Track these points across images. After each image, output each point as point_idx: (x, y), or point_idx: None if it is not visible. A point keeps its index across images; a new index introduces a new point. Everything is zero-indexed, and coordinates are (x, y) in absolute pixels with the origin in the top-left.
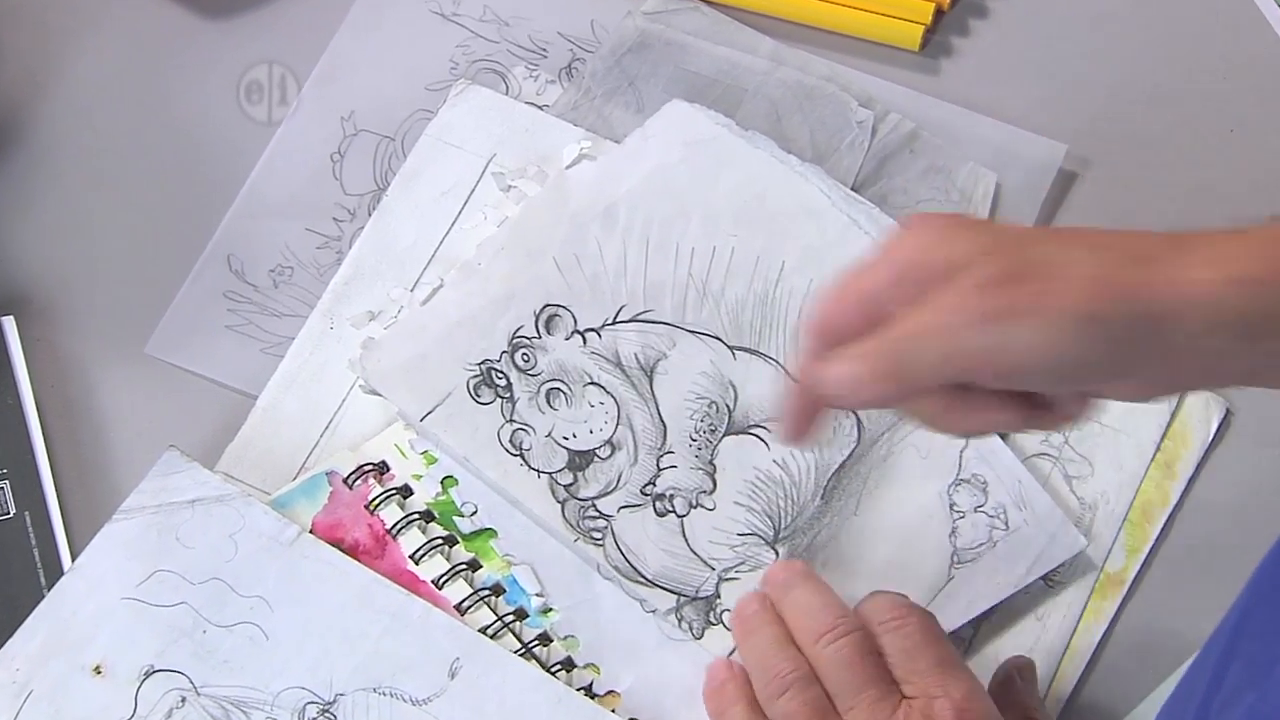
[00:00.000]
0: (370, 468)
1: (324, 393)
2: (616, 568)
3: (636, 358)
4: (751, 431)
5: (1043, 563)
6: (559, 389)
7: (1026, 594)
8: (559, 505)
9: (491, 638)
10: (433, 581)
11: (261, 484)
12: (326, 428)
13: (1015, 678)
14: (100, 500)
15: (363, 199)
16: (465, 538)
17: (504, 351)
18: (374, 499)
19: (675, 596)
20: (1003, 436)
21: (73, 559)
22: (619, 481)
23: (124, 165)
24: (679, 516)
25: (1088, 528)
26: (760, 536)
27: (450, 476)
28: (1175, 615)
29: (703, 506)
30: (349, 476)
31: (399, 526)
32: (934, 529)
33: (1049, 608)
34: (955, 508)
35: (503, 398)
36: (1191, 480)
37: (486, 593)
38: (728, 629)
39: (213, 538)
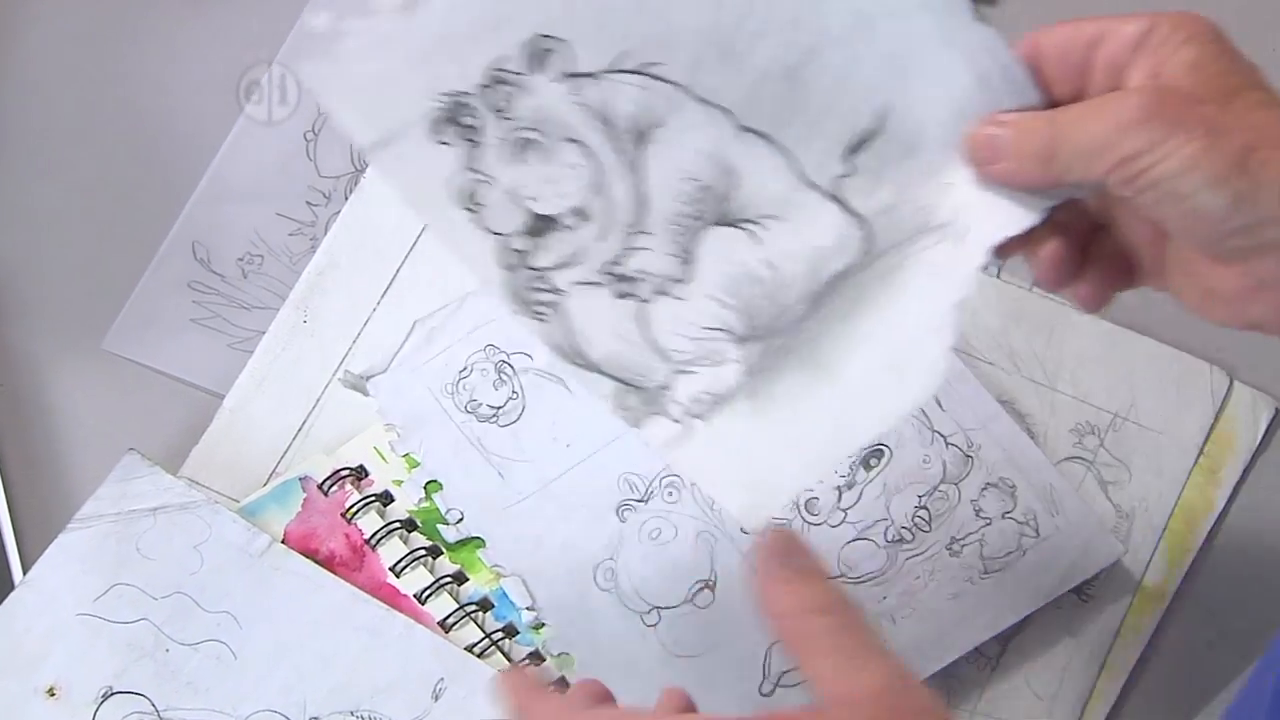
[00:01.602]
0: (347, 473)
1: (297, 391)
2: (558, 348)
3: (632, 119)
4: (743, 226)
5: (1076, 573)
6: (536, 140)
7: (1058, 608)
8: (506, 272)
9: (479, 656)
10: (415, 596)
11: (229, 490)
12: (299, 429)
13: None
14: (54, 508)
15: (339, 181)
16: (450, 548)
17: (482, 85)
18: (351, 506)
19: (617, 384)
20: (1033, 437)
21: (24, 572)
22: (581, 255)
23: (79, 145)
24: (640, 301)
25: (1125, 536)
26: (728, 332)
27: (434, 481)
28: (1222, 633)
29: (671, 295)
30: (324, 482)
31: (378, 536)
32: (936, 344)
33: (1083, 622)
34: (981, 513)
35: (469, 140)
36: (1238, 486)
37: (473, 608)
38: (673, 420)
39: (176, 549)
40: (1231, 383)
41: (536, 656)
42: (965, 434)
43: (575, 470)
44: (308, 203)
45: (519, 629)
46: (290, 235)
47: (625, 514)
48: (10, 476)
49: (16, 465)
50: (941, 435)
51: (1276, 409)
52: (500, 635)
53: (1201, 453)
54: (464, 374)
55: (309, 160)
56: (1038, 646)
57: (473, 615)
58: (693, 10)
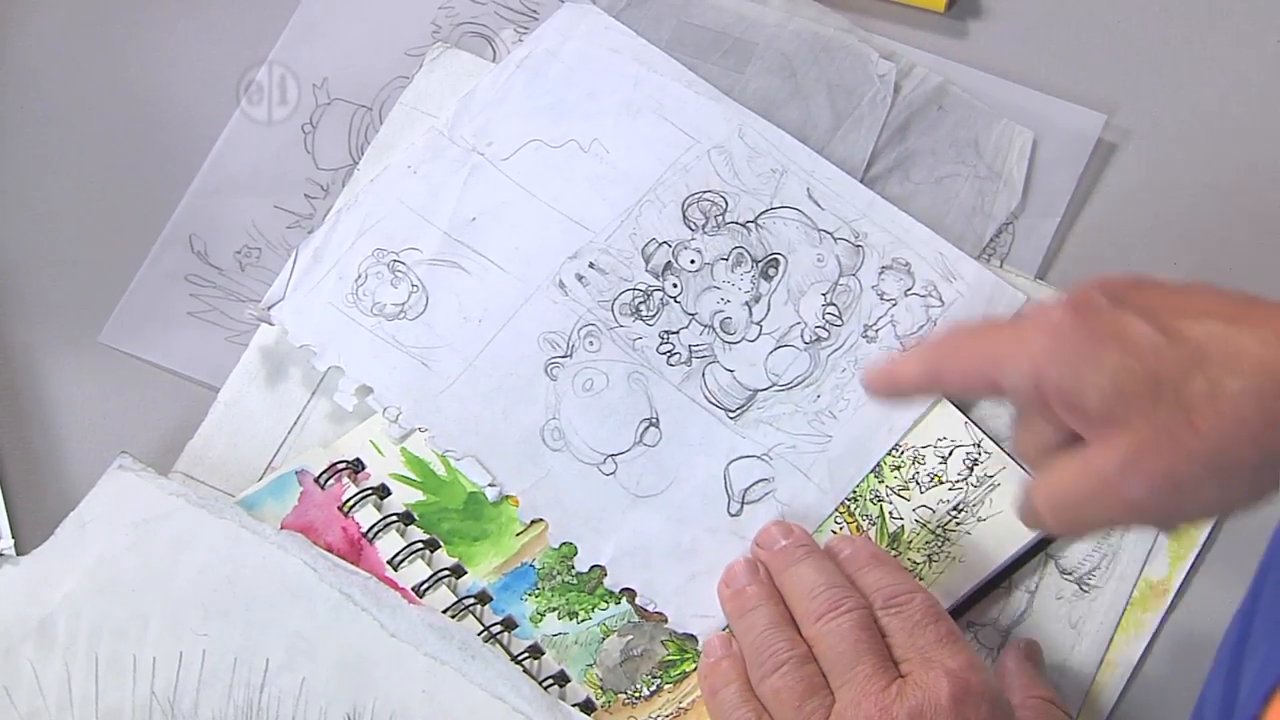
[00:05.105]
0: (344, 466)
1: (291, 385)
2: None
3: None
4: None
5: None
6: None
7: (1060, 599)
8: None
9: None
10: (414, 588)
11: (225, 485)
12: (295, 423)
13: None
14: (50, 502)
15: (337, 174)
16: (448, 540)
17: None
18: (348, 500)
19: None
20: None
21: None
22: None
23: (75, 137)
24: None
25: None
26: None
27: (364, 386)
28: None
29: None
30: (321, 475)
31: (376, 529)
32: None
33: (1084, 614)
34: (885, 296)
35: None
36: None
37: (471, 601)
38: None
39: None
40: None
41: (535, 650)
42: (849, 226)
43: (494, 342)
44: (305, 195)
45: (518, 622)
46: (288, 228)
47: (554, 372)
48: (6, 470)
49: (12, 459)
50: (827, 232)
51: None
52: (499, 628)
53: None
54: (360, 281)
55: (307, 153)
56: (1039, 638)
57: (471, 608)
58: (124, 690)
